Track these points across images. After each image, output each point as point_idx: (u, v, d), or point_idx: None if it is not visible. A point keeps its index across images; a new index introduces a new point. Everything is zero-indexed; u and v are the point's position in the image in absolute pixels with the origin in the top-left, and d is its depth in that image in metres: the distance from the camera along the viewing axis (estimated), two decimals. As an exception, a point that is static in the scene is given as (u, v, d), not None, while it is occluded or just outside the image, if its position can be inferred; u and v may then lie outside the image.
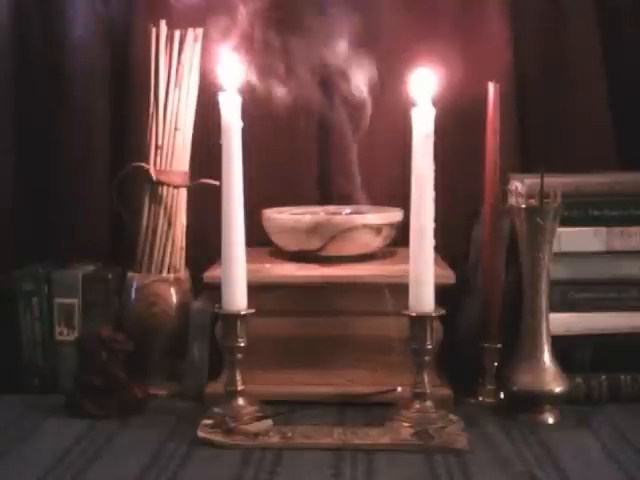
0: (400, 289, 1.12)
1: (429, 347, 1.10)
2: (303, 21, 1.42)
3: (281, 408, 1.16)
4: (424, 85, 1.09)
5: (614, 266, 1.23)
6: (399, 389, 1.18)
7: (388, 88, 1.36)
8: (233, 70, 1.13)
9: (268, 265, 1.23)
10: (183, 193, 1.31)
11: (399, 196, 1.30)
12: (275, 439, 1.07)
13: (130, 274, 1.30)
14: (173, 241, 1.29)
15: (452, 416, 1.12)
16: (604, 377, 1.21)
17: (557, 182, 1.17)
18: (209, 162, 1.24)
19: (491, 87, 1.22)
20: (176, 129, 1.29)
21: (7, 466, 1.02)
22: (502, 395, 1.20)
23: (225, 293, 1.13)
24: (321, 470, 1.00)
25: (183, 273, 1.31)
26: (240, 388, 1.13)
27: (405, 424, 1.09)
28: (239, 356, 1.13)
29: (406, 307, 1.11)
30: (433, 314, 1.10)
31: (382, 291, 1.18)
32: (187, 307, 1.28)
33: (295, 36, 1.42)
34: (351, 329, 1.22)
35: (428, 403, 1.11)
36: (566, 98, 1.42)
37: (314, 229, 1.24)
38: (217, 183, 1.16)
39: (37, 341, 1.30)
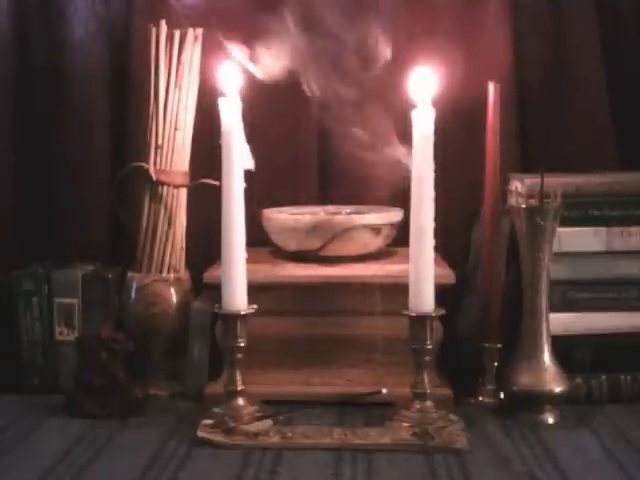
0: (400, 289, 1.12)
1: (429, 347, 1.11)
2: (303, 22, 1.43)
3: (281, 408, 1.16)
4: (424, 86, 1.09)
5: (614, 266, 1.23)
6: (384, 391, 1.18)
7: (388, 88, 1.36)
8: (233, 73, 1.13)
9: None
10: (183, 193, 1.31)
11: (399, 196, 1.30)
12: (275, 439, 1.07)
13: (130, 274, 1.30)
14: (173, 241, 1.29)
15: (452, 416, 1.12)
16: (604, 377, 1.21)
17: (557, 182, 1.17)
18: (209, 162, 1.24)
19: (491, 87, 1.22)
20: (176, 129, 1.29)
21: (7, 466, 1.02)
22: (502, 395, 1.20)
23: (225, 293, 1.13)
24: (321, 470, 1.00)
25: (183, 273, 1.31)
26: (240, 388, 1.13)
27: (405, 424, 1.09)
28: (239, 356, 1.13)
29: (406, 307, 1.11)
30: (433, 314, 1.10)
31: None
32: (187, 307, 1.28)
33: (295, 37, 1.43)
34: (351, 329, 1.22)
35: (428, 403, 1.11)
36: (566, 98, 1.42)
37: (314, 229, 1.24)
38: (217, 183, 1.16)
39: (37, 341, 1.30)
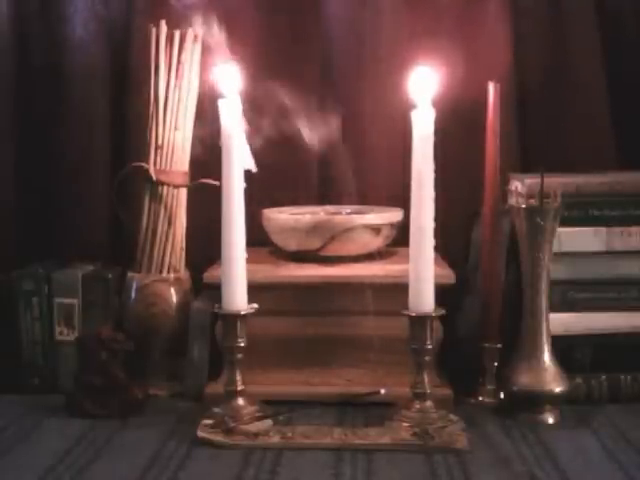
0: (400, 289, 1.12)
1: (429, 347, 1.11)
2: (303, 23, 1.43)
3: (281, 408, 1.16)
4: (424, 86, 1.09)
5: (614, 266, 1.23)
6: (382, 391, 1.18)
7: (388, 88, 1.36)
8: (232, 74, 1.13)
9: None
10: (183, 193, 1.31)
11: (399, 196, 1.30)
12: (275, 439, 1.07)
13: (130, 274, 1.30)
14: (173, 241, 1.29)
15: (452, 416, 1.12)
16: (604, 377, 1.21)
17: (557, 182, 1.17)
18: (209, 162, 1.24)
19: (491, 87, 1.22)
20: (176, 129, 1.29)
21: (7, 466, 1.02)
22: (502, 395, 1.20)
23: (225, 293, 1.13)
24: (321, 470, 1.00)
25: (183, 273, 1.31)
26: (240, 388, 1.13)
27: (405, 424, 1.09)
28: (239, 356, 1.13)
29: (406, 307, 1.11)
30: (433, 314, 1.10)
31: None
32: (187, 307, 1.28)
33: (295, 37, 1.43)
34: (351, 329, 1.22)
35: (428, 403, 1.11)
36: (566, 98, 1.42)
37: (314, 229, 1.24)
38: (217, 183, 1.16)
39: (37, 341, 1.30)
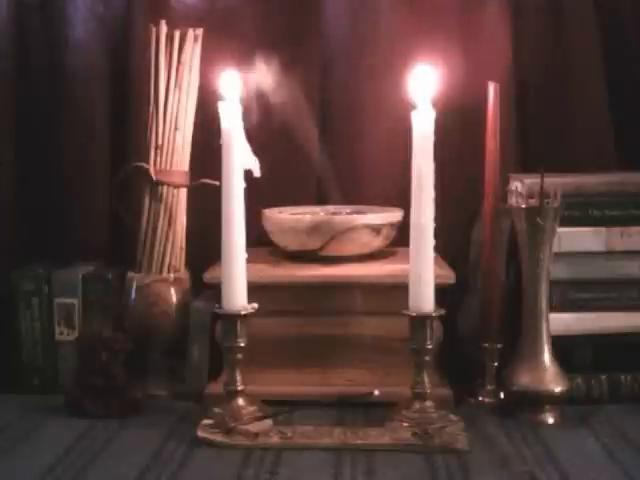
0: (400, 289, 1.12)
1: (429, 347, 1.11)
2: (303, 23, 1.43)
3: (281, 408, 1.16)
4: (424, 86, 1.09)
5: (614, 266, 1.23)
6: (376, 392, 1.18)
7: (388, 88, 1.36)
8: (232, 76, 1.13)
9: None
10: (183, 193, 1.31)
11: (399, 196, 1.30)
12: (275, 439, 1.07)
13: (130, 274, 1.30)
14: (173, 241, 1.29)
15: (452, 416, 1.12)
16: (604, 377, 1.21)
17: (557, 182, 1.17)
18: (209, 162, 1.24)
19: (491, 87, 1.22)
20: (176, 129, 1.29)
21: (7, 466, 1.02)
22: (502, 395, 1.20)
23: (225, 293, 1.13)
24: (321, 470, 1.00)
25: (183, 273, 1.31)
26: (240, 388, 1.13)
27: (405, 424, 1.09)
28: (239, 356, 1.13)
29: (406, 307, 1.11)
30: (433, 314, 1.10)
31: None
32: (187, 307, 1.28)
33: (295, 38, 1.43)
34: (351, 329, 1.22)
35: (428, 403, 1.11)
36: (566, 98, 1.42)
37: (314, 229, 1.24)
38: (217, 183, 1.16)
39: (37, 341, 1.30)
